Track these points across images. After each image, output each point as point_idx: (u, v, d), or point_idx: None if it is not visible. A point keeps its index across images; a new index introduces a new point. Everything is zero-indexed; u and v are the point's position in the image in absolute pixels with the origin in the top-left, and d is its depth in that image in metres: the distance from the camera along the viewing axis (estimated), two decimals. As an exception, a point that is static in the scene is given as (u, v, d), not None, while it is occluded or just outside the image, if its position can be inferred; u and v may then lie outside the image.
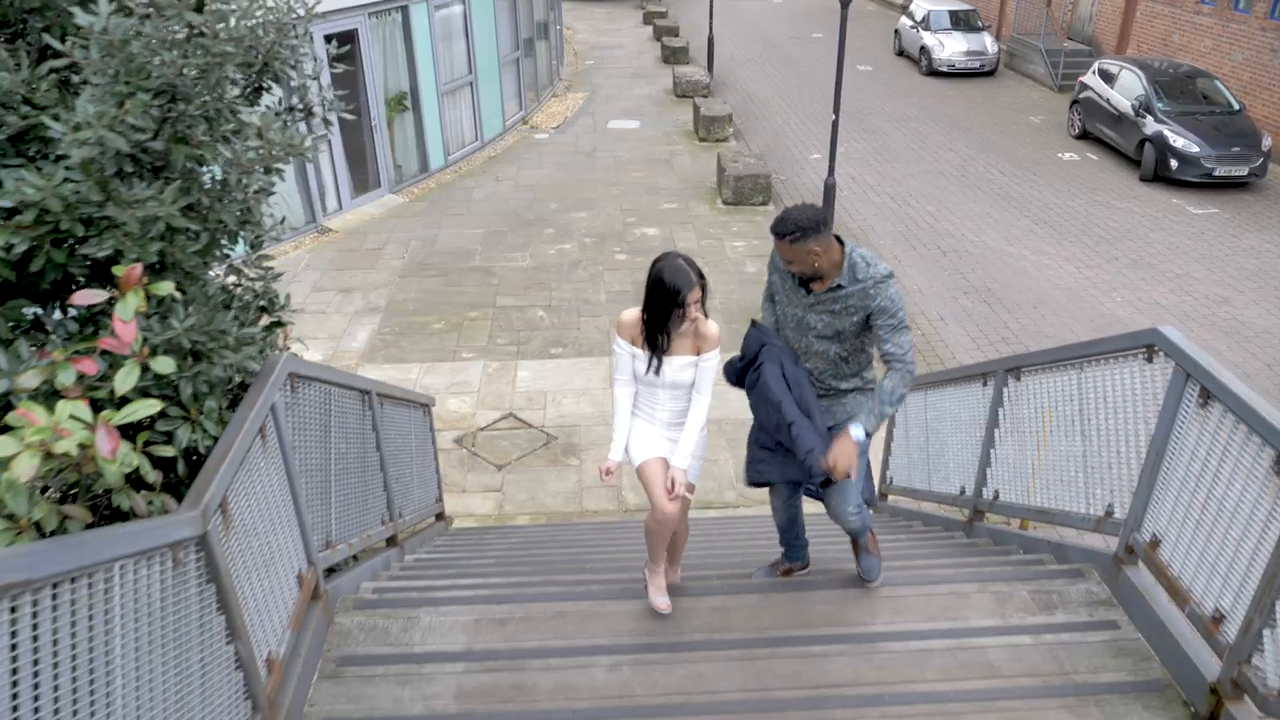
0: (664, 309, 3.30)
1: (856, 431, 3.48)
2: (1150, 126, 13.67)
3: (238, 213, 2.79)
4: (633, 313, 3.50)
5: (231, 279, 3.31)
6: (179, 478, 2.99)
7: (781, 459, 3.76)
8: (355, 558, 4.67)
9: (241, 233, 2.87)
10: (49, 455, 2.05)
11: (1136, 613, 3.68)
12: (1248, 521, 3.01)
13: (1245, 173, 13.06)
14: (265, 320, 3.31)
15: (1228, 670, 3.11)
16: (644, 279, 3.41)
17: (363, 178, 13.34)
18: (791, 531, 4.17)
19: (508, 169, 15.14)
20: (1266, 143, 13.28)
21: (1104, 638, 3.65)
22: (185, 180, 2.63)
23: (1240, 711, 3.09)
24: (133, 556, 2.23)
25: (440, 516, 6.62)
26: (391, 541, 5.09)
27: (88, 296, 2.26)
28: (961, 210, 12.89)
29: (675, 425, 3.66)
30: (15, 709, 1.79)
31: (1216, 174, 13.00)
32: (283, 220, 3.32)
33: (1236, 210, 12.52)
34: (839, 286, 3.43)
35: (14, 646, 1.79)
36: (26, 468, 1.95)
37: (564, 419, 8.35)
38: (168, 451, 2.56)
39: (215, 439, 3.04)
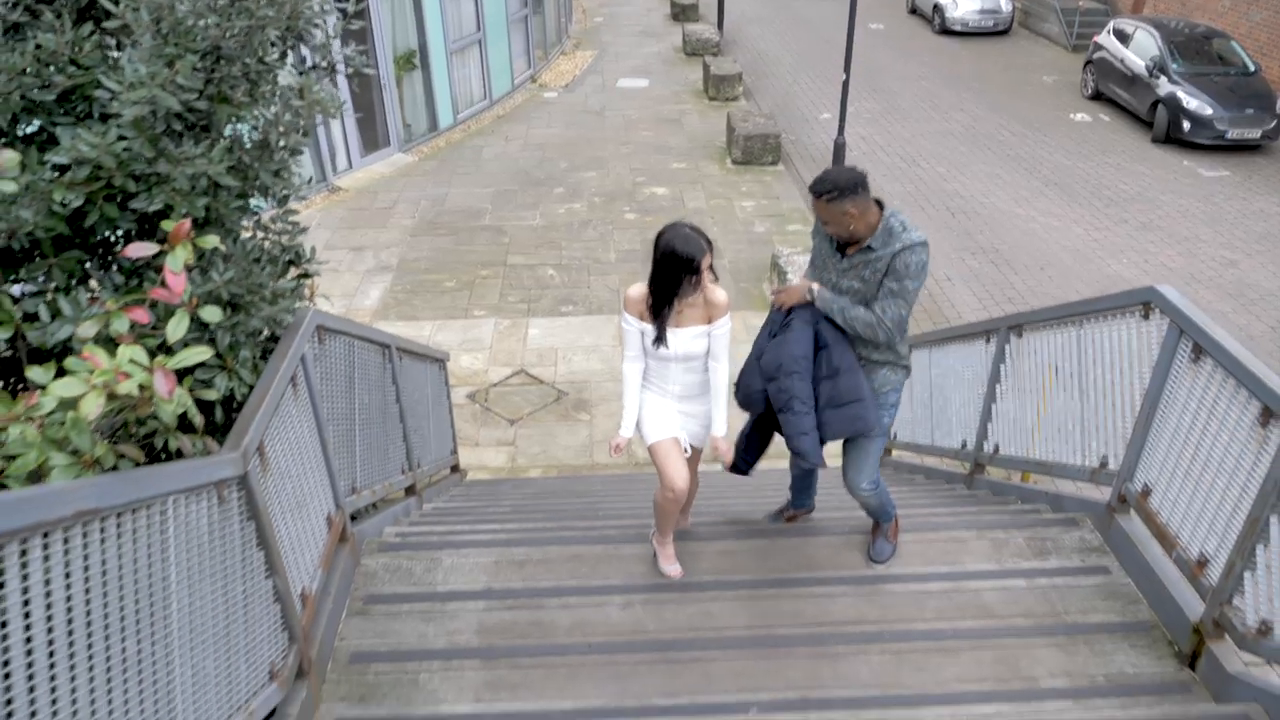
0: (676, 278, 3.30)
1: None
2: (1164, 88, 13.63)
3: (274, 170, 2.92)
4: (639, 288, 3.49)
5: (260, 234, 3.45)
6: (217, 424, 3.15)
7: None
8: (375, 505, 4.85)
9: (273, 188, 3.00)
10: (111, 396, 2.21)
11: (1127, 558, 3.85)
12: (1233, 471, 3.16)
13: (1258, 135, 13.03)
14: (294, 273, 3.45)
15: (1210, 611, 3.28)
16: (654, 238, 3.41)
17: (372, 137, 13.40)
18: (803, 483, 4.27)
19: (517, 128, 15.17)
20: (1280, 104, 13.26)
21: (1095, 582, 3.82)
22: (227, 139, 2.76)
23: (1220, 649, 3.27)
24: (183, 492, 2.39)
25: (455, 469, 6.82)
26: (410, 490, 5.28)
27: (139, 249, 2.41)
28: (971, 171, 12.92)
29: (687, 398, 3.68)
30: (89, 627, 1.97)
31: (1229, 136, 12.98)
32: (310, 180, 3.46)
33: (1248, 173, 12.52)
34: (870, 249, 3.39)
35: (86, 569, 1.96)
36: (93, 407, 2.11)
37: (574, 375, 8.51)
38: (211, 395, 2.72)
39: (251, 387, 3.20)
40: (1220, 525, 3.24)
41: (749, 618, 3.73)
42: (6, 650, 1.71)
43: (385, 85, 13.13)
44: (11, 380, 2.98)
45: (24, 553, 1.75)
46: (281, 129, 2.84)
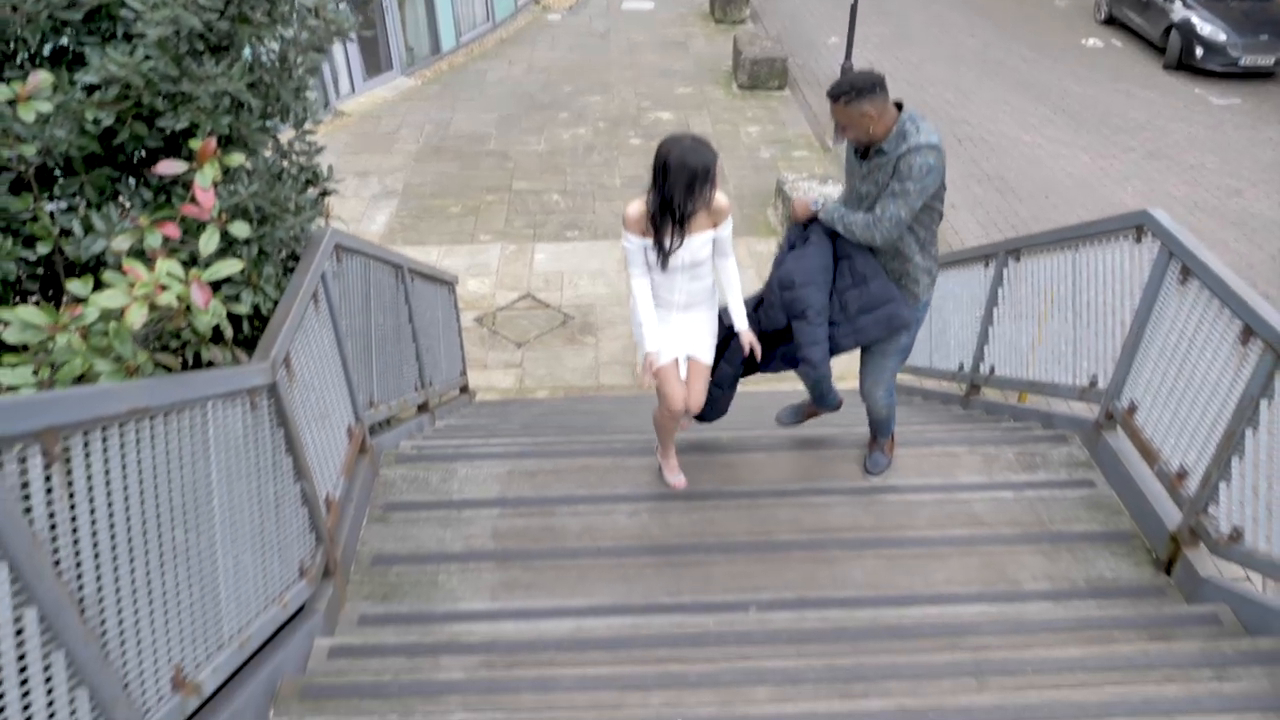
0: (692, 190, 3.23)
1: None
2: (1178, 12, 13.43)
3: (294, 88, 3.02)
4: (637, 206, 3.42)
5: (279, 157, 3.55)
6: (245, 337, 3.30)
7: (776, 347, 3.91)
8: (390, 422, 5.04)
9: (293, 106, 3.10)
10: (153, 307, 2.35)
11: (1111, 472, 4.03)
12: (1214, 388, 3.32)
13: (1271, 63, 12.87)
14: (313, 191, 3.56)
15: (1187, 520, 3.47)
16: (657, 154, 3.31)
17: (374, 60, 13.28)
18: (816, 391, 4.20)
19: (520, 51, 15.01)
20: (1295, 30, 13.06)
21: (1080, 494, 4.01)
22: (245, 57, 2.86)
23: (1194, 556, 3.46)
24: (221, 396, 2.55)
25: (464, 390, 6.99)
26: (423, 408, 5.46)
27: (170, 166, 2.53)
28: (979, 97, 12.83)
29: (691, 306, 3.66)
30: (143, 516, 2.14)
31: (1242, 63, 12.83)
32: (327, 104, 3.55)
33: (1259, 101, 12.43)
34: (882, 151, 3.33)
35: (139, 462, 2.13)
36: (138, 317, 2.26)
37: (580, 299, 8.64)
38: (240, 309, 2.86)
39: (275, 302, 3.35)
40: (1199, 439, 3.41)
41: (749, 524, 3.93)
42: (75, 534, 1.88)
43: (387, 7, 12.98)
44: (49, 293, 3.12)
45: (86, 445, 1.91)
46: (300, 47, 2.92)
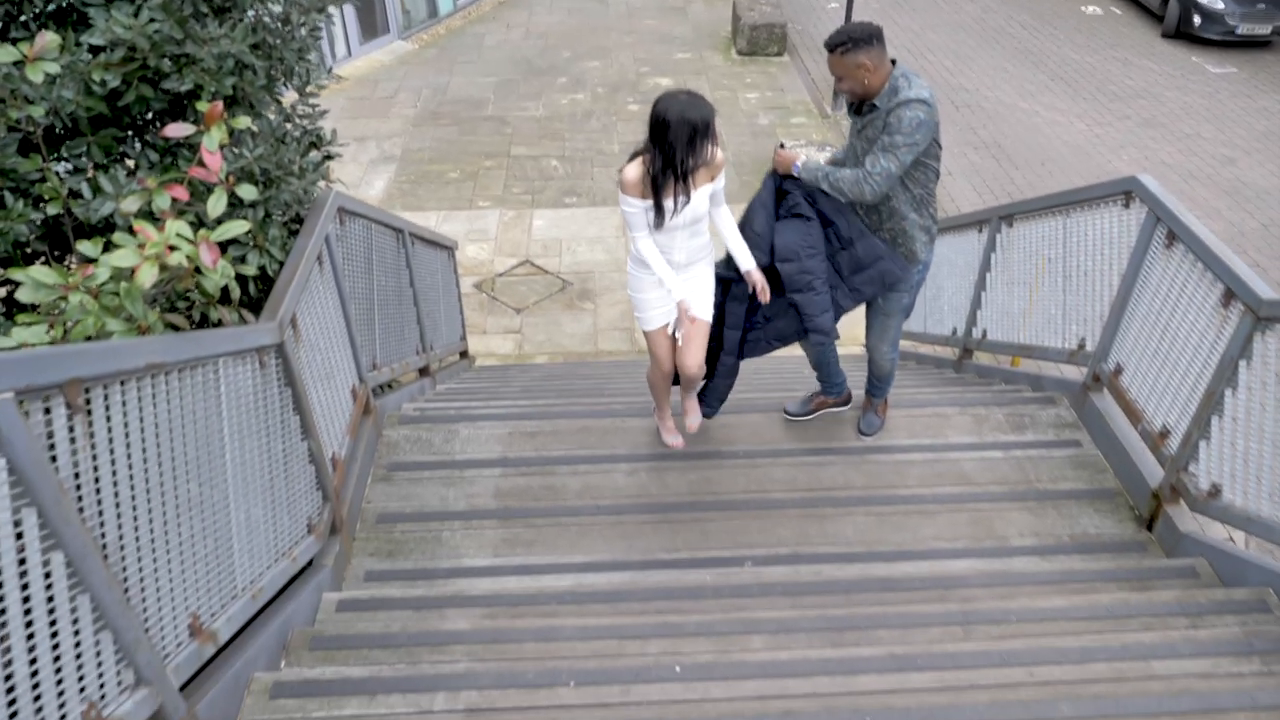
0: (693, 145, 3.18)
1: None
2: (1176, -21, 13.38)
3: (296, 49, 3.06)
4: (635, 169, 3.34)
5: (283, 120, 3.60)
6: (251, 298, 3.37)
7: (766, 326, 3.92)
8: (392, 385, 5.12)
9: (296, 68, 3.14)
10: (163, 267, 2.42)
11: (1097, 432, 4.13)
12: (1196, 349, 3.41)
13: (1269, 31, 12.83)
14: (316, 155, 3.62)
15: (1168, 477, 3.57)
16: (654, 112, 3.24)
17: (371, 23, 13.21)
18: (824, 369, 4.26)
19: (518, 15, 14.92)
20: (1293, -2, 13.02)
21: (1067, 454, 4.11)
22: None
23: (1175, 512, 3.57)
24: (231, 354, 2.63)
25: (464, 355, 7.07)
26: (424, 371, 5.54)
27: (178, 129, 2.58)
28: (978, 65, 12.80)
29: (691, 264, 3.62)
30: (160, 466, 2.23)
31: (1239, 32, 12.79)
32: (330, 70, 3.59)
33: (1255, 70, 12.41)
34: (875, 106, 3.32)
35: (155, 416, 2.21)
36: (149, 276, 2.33)
37: (579, 265, 8.69)
38: (247, 270, 2.94)
39: (281, 263, 3.42)
40: (1181, 400, 3.50)
41: (745, 484, 4.03)
42: (98, 483, 1.97)
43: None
44: (57, 255, 3.19)
45: (107, 397, 1.99)
46: (301, 8, 2.96)
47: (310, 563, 3.35)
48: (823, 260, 3.67)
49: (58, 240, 3.20)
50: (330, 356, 3.68)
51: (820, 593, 3.32)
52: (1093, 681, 2.62)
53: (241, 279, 3.38)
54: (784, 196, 3.72)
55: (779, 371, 5.90)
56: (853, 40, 3.22)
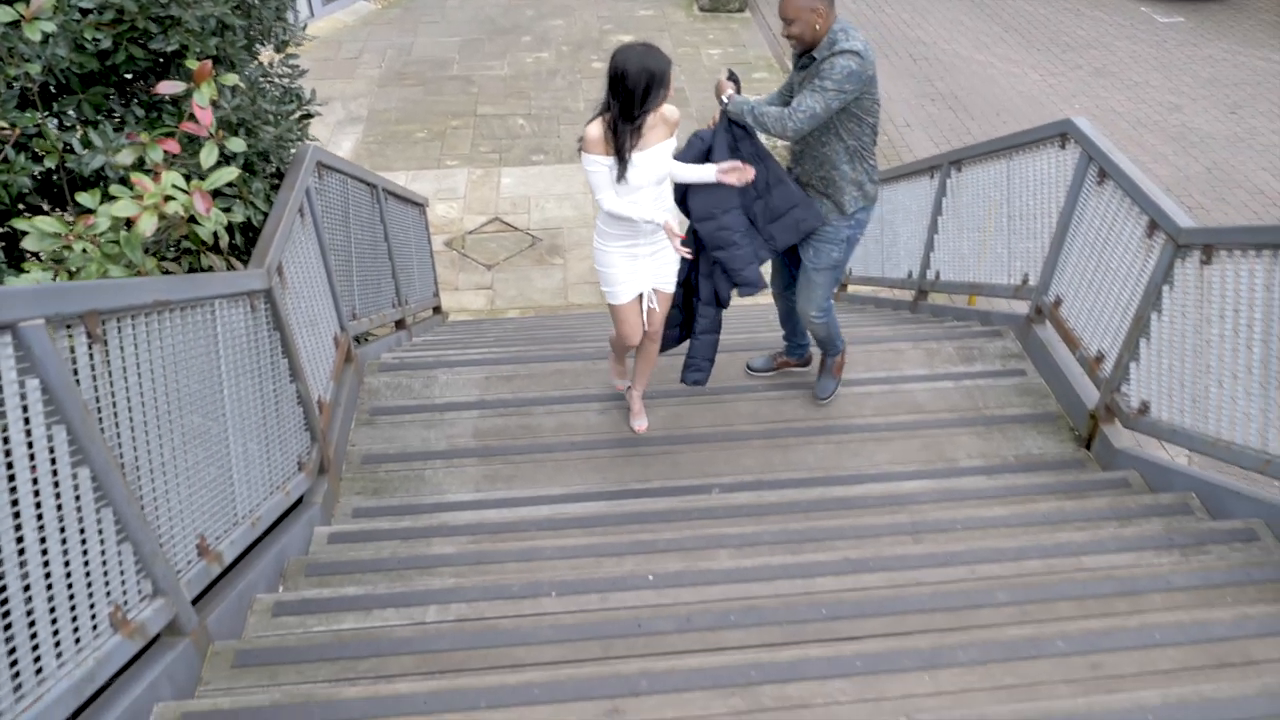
0: (649, 90, 3.24)
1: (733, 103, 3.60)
2: (1128, -72, 13.59)
3: (274, 8, 3.20)
4: (596, 127, 3.37)
5: (260, 74, 3.73)
6: (238, 248, 3.52)
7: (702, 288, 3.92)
8: (368, 337, 5.29)
9: (275, 28, 3.28)
10: (161, 216, 2.59)
11: (1040, 361, 4.40)
12: (1125, 277, 3.67)
13: (1216, -23, 13.14)
14: (296, 112, 3.76)
15: (1103, 398, 3.84)
16: (611, 65, 3.32)
17: (333, -16, 13.12)
18: (789, 324, 4.36)
19: (480, -26, 14.84)
20: (1240, -55, 13.30)
21: (1012, 382, 4.38)
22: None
23: (1110, 431, 3.85)
24: (226, 297, 2.80)
25: (438, 310, 7.22)
26: (400, 324, 5.71)
27: (169, 86, 2.73)
28: (934, 17, 12.97)
29: (657, 231, 3.60)
30: (168, 397, 2.41)
31: (1188, -22, 13.08)
32: (304, 27, 3.72)
33: (1202, 19, 12.69)
34: (813, 57, 3.39)
35: (161, 349, 2.39)
36: (149, 224, 2.49)
37: (548, 222, 8.84)
38: (236, 217, 3.09)
39: (265, 214, 3.57)
40: (1114, 326, 3.77)
41: (712, 418, 4.26)
42: (115, 408, 2.15)
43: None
44: (50, 208, 3.32)
45: (120, 330, 2.17)
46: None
47: (301, 500, 3.55)
48: (739, 214, 3.67)
49: (54, 196, 3.33)
50: (313, 304, 3.85)
51: (782, 512, 3.56)
52: (1027, 575, 2.89)
53: (229, 229, 3.54)
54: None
55: (745, 318, 6.12)
56: None
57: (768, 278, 3.99)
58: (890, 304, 6.35)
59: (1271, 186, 8.80)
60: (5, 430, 1.75)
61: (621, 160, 3.38)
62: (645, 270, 3.72)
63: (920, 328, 5.04)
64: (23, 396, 1.80)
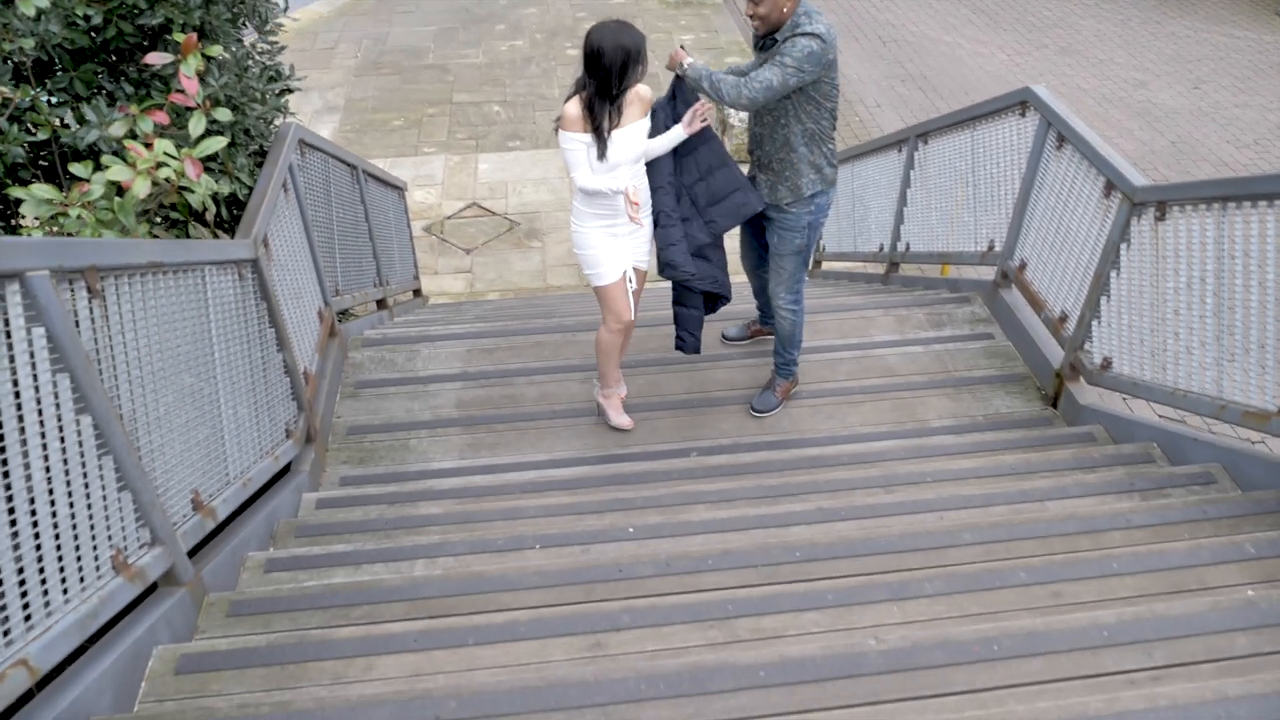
0: (625, 66, 3.31)
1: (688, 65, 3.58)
2: (1093, -89, 13.81)
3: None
4: (574, 105, 3.41)
5: (244, 53, 3.80)
6: (224, 222, 3.60)
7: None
8: (350, 314, 5.36)
9: (258, 6, 3.35)
10: (154, 183, 2.66)
11: (1007, 324, 4.54)
12: (1085, 238, 3.81)
13: (1179, -42, 13.38)
14: (276, 86, 3.83)
15: (1068, 357, 3.98)
16: (586, 43, 3.38)
17: (306, -26, 13.10)
18: (762, 298, 4.40)
19: (453, -36, 14.85)
20: (1202, -73, 13.54)
21: (981, 345, 4.52)
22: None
23: (1075, 388, 3.99)
24: (215, 264, 2.88)
25: (418, 293, 7.30)
26: (382, 304, 5.78)
27: (158, 58, 2.80)
28: (903, 0, 13.12)
29: (639, 207, 3.62)
30: (163, 354, 2.49)
31: (1152, -41, 13.31)
32: (285, 8, 3.80)
33: (1166, -3, 12.94)
34: (775, 40, 3.42)
35: (158, 309, 2.47)
36: (143, 188, 2.57)
37: (525, 206, 8.92)
38: (223, 189, 3.17)
39: (249, 189, 3.64)
40: (1076, 285, 3.91)
41: (689, 385, 4.37)
42: (113, 361, 2.23)
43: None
44: (41, 179, 3.38)
45: (117, 287, 2.25)
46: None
47: (289, 468, 3.64)
48: (670, 195, 3.67)
49: (47, 168, 3.39)
50: (298, 278, 3.93)
51: (758, 471, 3.68)
52: (993, 519, 3.01)
53: (215, 201, 3.61)
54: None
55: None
56: None
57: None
58: (864, 278, 6.48)
59: (1234, 158, 9.01)
60: (15, 375, 1.83)
61: (601, 139, 3.43)
62: (626, 248, 3.75)
63: (891, 296, 5.17)
64: (29, 344, 1.88)
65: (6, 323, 1.82)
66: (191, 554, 2.65)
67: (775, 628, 2.37)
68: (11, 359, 1.83)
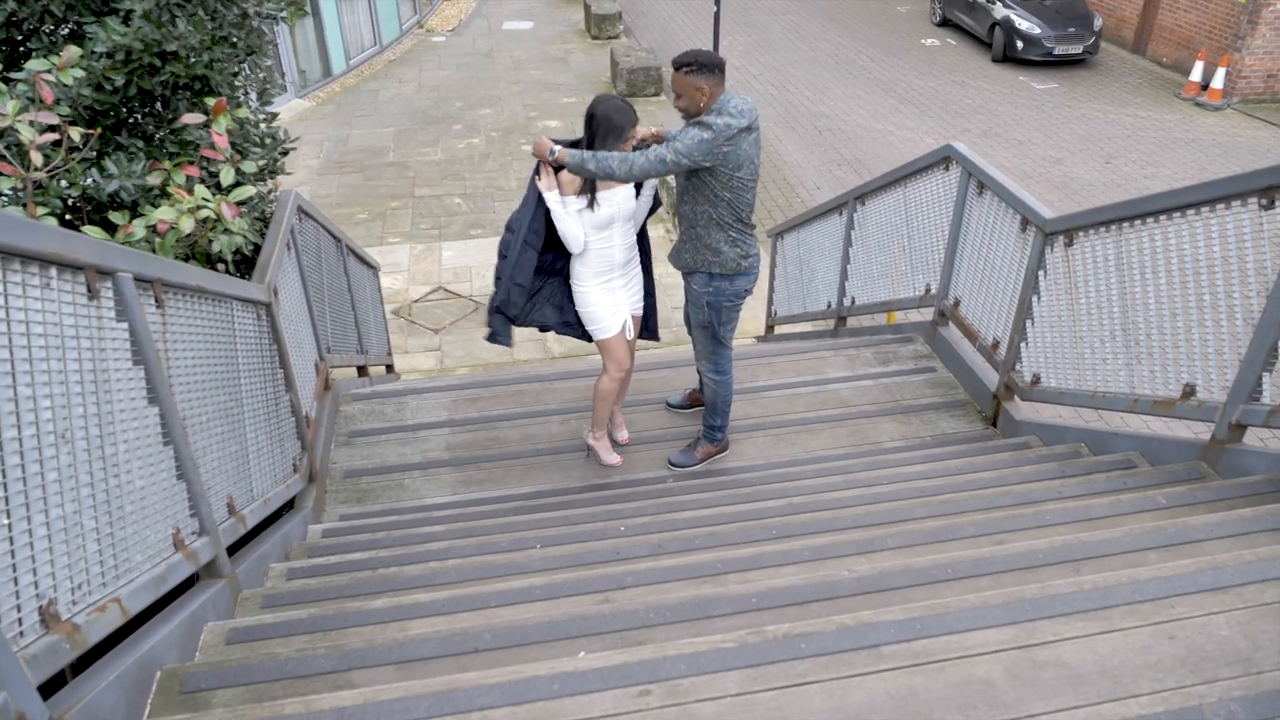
0: (616, 135, 3.66)
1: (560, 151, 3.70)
2: (999, 11, 15.13)
3: (256, 39, 3.72)
4: (566, 173, 3.70)
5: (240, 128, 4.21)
6: (230, 272, 3.93)
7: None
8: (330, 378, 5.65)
9: (257, 53, 3.77)
10: (197, 221, 3.02)
11: (947, 358, 5.00)
12: (1008, 270, 4.30)
13: (1080, 51, 14.69)
14: (278, 148, 4.23)
15: (1002, 379, 4.43)
16: (589, 109, 3.72)
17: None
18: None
19: (409, 71, 15.63)
20: (1097, 23, 14.93)
21: (925, 377, 4.96)
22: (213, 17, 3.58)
23: (1011, 407, 4.43)
24: (240, 300, 3.22)
25: (390, 369, 7.60)
26: (362, 371, 6.09)
27: (191, 118, 3.19)
28: (835, 93, 14.10)
29: (629, 261, 4.05)
30: (205, 369, 2.80)
31: (1056, 52, 14.59)
32: (285, 85, 4.21)
33: (1073, 85, 14.09)
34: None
35: (202, 327, 2.79)
36: (189, 225, 2.92)
37: (490, 288, 9.32)
38: (238, 239, 3.52)
39: (255, 245, 4.00)
40: (1004, 314, 4.38)
41: (662, 422, 4.73)
42: (170, 364, 2.54)
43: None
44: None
45: (175, 302, 2.58)
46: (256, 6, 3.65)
47: (293, 503, 3.90)
48: (528, 253, 3.92)
49: (77, 220, 3.72)
50: (299, 329, 4.25)
51: (732, 486, 4.03)
52: (944, 498, 3.39)
53: (222, 259, 3.95)
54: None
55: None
56: (698, 64, 3.46)
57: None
58: (814, 335, 6.95)
59: (1143, 226, 9.78)
60: (105, 362, 2.14)
61: (591, 193, 3.79)
62: (622, 299, 4.09)
63: (841, 340, 5.63)
64: (122, 335, 2.19)
65: (100, 314, 2.14)
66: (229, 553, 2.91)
67: (760, 579, 2.69)
68: (102, 347, 2.15)
